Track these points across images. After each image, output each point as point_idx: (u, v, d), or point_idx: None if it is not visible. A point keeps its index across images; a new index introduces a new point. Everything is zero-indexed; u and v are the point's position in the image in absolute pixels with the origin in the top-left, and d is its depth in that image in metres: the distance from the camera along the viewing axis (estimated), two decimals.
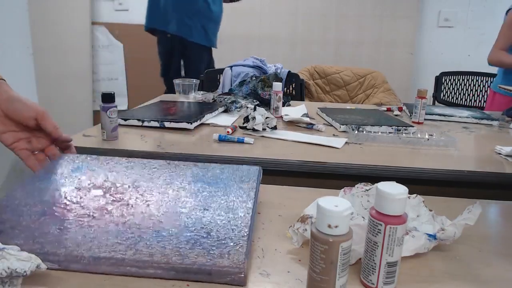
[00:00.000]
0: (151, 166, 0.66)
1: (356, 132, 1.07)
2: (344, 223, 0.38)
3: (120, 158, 0.68)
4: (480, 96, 2.70)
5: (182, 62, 2.25)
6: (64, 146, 0.71)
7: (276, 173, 0.88)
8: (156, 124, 1.08)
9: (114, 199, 0.57)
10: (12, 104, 0.64)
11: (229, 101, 1.38)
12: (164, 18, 2.16)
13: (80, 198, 0.56)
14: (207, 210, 0.56)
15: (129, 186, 0.60)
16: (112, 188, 0.60)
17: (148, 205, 0.56)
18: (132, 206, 0.55)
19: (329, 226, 0.38)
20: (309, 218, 0.52)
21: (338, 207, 0.38)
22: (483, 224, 0.64)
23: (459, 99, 2.72)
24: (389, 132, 1.09)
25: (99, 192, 0.58)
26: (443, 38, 3.09)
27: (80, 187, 0.59)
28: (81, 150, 0.92)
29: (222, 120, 1.22)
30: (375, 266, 0.42)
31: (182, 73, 2.27)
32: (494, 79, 2.01)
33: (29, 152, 0.68)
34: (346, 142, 1.02)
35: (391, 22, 3.02)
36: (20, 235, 0.47)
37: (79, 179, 0.62)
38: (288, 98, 1.61)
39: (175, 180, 0.63)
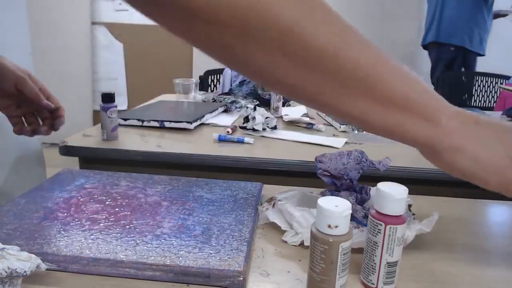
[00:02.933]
0: (154, 181, 0.66)
1: (356, 132, 1.07)
2: (344, 223, 0.38)
3: (124, 174, 0.69)
4: (481, 96, 2.70)
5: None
6: (52, 110, 0.69)
7: (276, 173, 0.88)
8: (156, 124, 1.08)
9: (116, 206, 0.57)
10: None
11: (229, 101, 1.38)
12: (450, 31, 2.42)
13: (83, 205, 0.56)
14: (207, 215, 0.56)
15: (131, 196, 0.60)
16: (115, 197, 0.61)
17: (149, 212, 0.56)
18: (133, 212, 0.55)
19: (329, 226, 0.38)
20: (275, 199, 0.55)
21: (338, 207, 0.38)
22: (483, 224, 0.64)
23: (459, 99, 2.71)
24: None
25: (102, 199, 0.59)
26: None
27: (83, 196, 0.60)
28: (81, 150, 0.92)
29: (222, 120, 1.22)
30: (375, 266, 0.42)
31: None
32: (508, 81, 2.02)
33: (18, 118, 0.67)
34: (346, 142, 1.02)
35: (392, 22, 3.02)
36: (21, 236, 0.47)
37: (82, 189, 0.62)
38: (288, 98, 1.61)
39: (176, 191, 0.64)
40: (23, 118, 0.70)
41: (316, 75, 0.36)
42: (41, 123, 0.71)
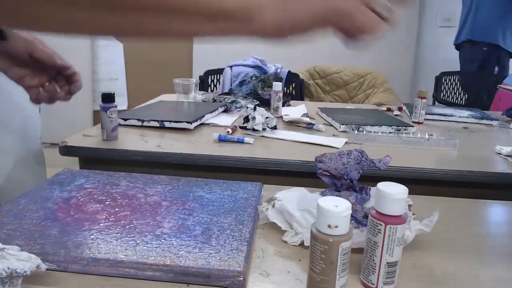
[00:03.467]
0: (154, 181, 0.66)
1: (356, 132, 1.07)
2: (344, 223, 0.38)
3: (124, 174, 0.69)
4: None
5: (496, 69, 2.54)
6: (68, 75, 0.68)
7: (276, 173, 0.88)
8: (156, 124, 1.08)
9: (116, 206, 0.57)
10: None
11: (229, 101, 1.38)
12: (484, 29, 2.42)
13: (83, 205, 0.56)
14: (207, 215, 0.56)
15: (131, 196, 0.60)
16: (115, 197, 0.61)
17: (149, 212, 0.56)
18: (133, 212, 0.55)
19: (329, 226, 0.38)
20: (275, 199, 0.55)
21: (338, 207, 0.38)
22: (483, 224, 0.64)
23: (459, 99, 2.71)
24: (389, 132, 1.09)
25: (102, 199, 0.59)
26: (443, 38, 3.09)
27: (83, 196, 0.60)
28: (81, 150, 0.92)
29: (222, 120, 1.22)
30: (375, 266, 0.42)
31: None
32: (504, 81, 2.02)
33: (35, 88, 0.66)
34: (346, 142, 1.02)
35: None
36: (21, 237, 0.47)
37: (82, 189, 0.62)
38: (288, 98, 1.61)
39: (176, 191, 0.63)
40: (40, 88, 0.69)
41: (131, 13, 0.36)
42: (58, 90, 0.70)
